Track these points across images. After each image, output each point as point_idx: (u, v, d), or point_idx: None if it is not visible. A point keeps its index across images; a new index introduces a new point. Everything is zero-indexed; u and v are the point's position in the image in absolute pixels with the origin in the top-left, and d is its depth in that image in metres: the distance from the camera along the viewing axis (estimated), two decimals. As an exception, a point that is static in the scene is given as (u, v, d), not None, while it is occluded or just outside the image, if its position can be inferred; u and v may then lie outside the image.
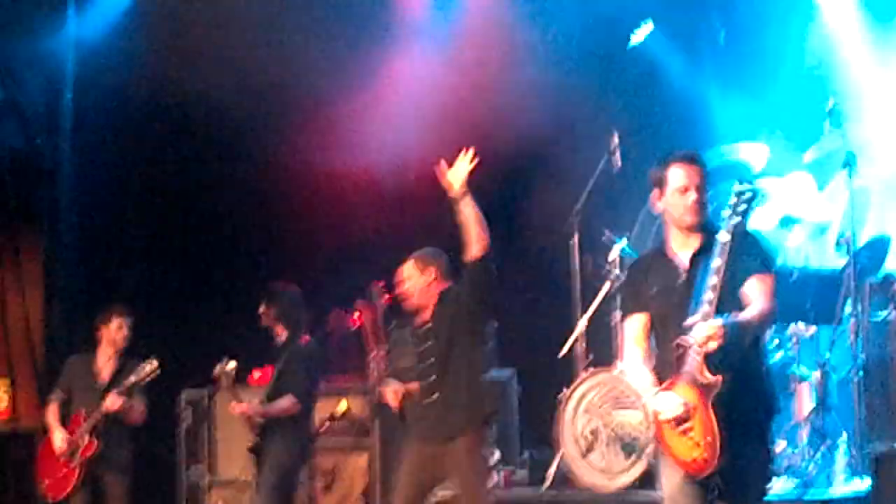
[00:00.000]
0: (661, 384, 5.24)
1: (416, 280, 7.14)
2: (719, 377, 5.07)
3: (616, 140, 9.14)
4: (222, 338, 9.48)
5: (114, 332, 8.70)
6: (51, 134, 11.04)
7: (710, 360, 5.07)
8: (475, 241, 6.77)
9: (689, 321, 5.14)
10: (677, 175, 5.39)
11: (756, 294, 5.24)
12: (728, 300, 5.19)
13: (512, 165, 10.05)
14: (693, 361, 5.10)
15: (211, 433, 9.96)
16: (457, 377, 6.94)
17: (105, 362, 8.71)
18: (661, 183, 5.45)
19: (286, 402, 8.11)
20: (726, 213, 5.24)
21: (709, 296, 5.14)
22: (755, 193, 5.27)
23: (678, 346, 5.16)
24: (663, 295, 5.38)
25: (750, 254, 5.32)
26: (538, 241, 9.95)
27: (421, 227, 8.58)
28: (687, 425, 5.13)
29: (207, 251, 11.20)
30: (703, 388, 5.09)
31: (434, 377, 7.00)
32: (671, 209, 5.42)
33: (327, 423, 8.78)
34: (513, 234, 10.13)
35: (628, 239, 9.07)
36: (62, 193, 11.07)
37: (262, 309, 8.35)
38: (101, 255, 10.97)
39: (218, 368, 8.11)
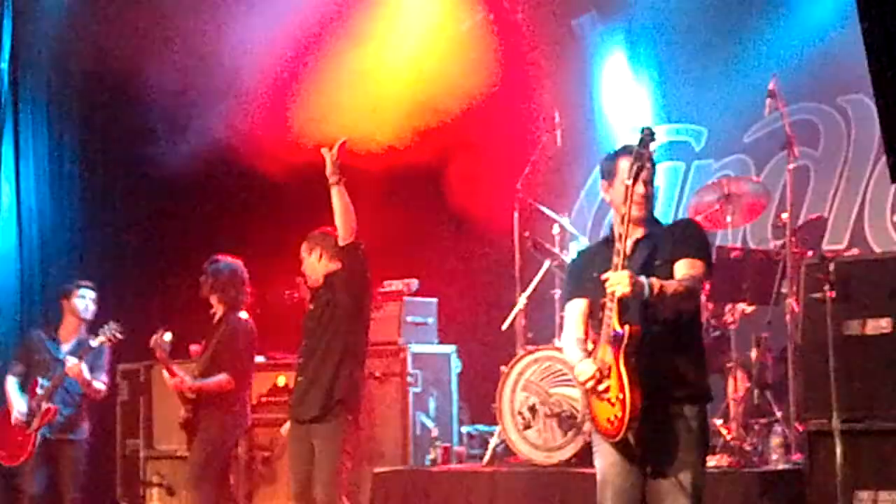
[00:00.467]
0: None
1: (306, 261, 7.24)
2: (630, 328, 5.15)
3: (558, 117, 9.17)
4: (162, 311, 9.40)
5: (75, 303, 8.68)
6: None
7: (623, 314, 5.17)
8: (342, 229, 6.85)
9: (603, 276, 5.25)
10: (627, 167, 5.41)
11: (681, 273, 5.34)
12: (661, 277, 5.29)
13: (453, 141, 10.04)
14: (608, 317, 5.20)
15: (148, 407, 9.92)
16: (319, 361, 7.02)
17: (69, 334, 8.74)
18: (610, 173, 5.52)
19: (220, 380, 8.00)
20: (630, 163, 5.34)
21: (617, 248, 5.25)
22: (652, 135, 5.38)
23: (601, 305, 5.25)
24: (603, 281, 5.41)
25: (686, 238, 5.44)
26: (479, 217, 9.94)
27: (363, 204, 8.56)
28: (604, 386, 5.22)
29: (147, 225, 11.13)
30: (618, 343, 5.17)
31: (302, 359, 7.10)
32: (618, 199, 5.45)
33: (266, 399, 8.77)
34: (454, 209, 10.14)
35: (569, 216, 9.13)
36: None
37: (201, 279, 8.26)
38: (39, 228, 10.85)
39: (154, 339, 8.04)
